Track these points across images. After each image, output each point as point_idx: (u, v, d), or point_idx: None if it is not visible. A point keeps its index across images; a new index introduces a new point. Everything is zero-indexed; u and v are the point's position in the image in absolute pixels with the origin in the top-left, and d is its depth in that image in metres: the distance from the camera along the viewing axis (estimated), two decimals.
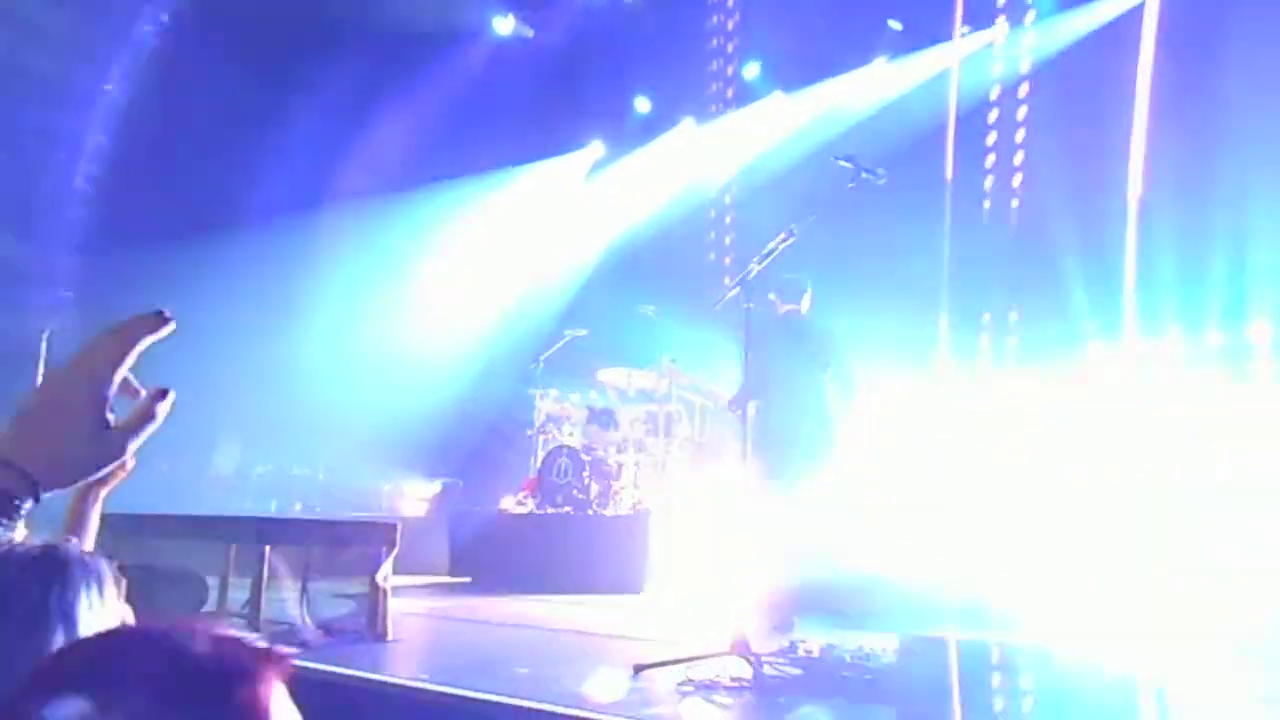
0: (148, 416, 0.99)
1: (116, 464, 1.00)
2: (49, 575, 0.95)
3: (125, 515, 4.61)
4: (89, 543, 1.46)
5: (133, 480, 1.34)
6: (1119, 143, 9.29)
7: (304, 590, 4.60)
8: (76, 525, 1.47)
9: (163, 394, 1.01)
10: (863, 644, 3.85)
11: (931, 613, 5.59)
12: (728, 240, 12.17)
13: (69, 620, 0.93)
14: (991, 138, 10.34)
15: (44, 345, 7.33)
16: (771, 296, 6.16)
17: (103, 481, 1.27)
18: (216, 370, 8.54)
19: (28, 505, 0.94)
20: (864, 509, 6.75)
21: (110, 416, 0.97)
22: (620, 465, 9.04)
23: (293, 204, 10.68)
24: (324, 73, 11.08)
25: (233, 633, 0.75)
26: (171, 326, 0.99)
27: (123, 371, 0.97)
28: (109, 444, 0.97)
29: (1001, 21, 10.60)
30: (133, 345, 0.97)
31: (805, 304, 6.20)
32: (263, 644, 0.75)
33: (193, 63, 10.10)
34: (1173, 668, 3.72)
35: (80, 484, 1.04)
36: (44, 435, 0.95)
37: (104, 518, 1.57)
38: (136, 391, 1.01)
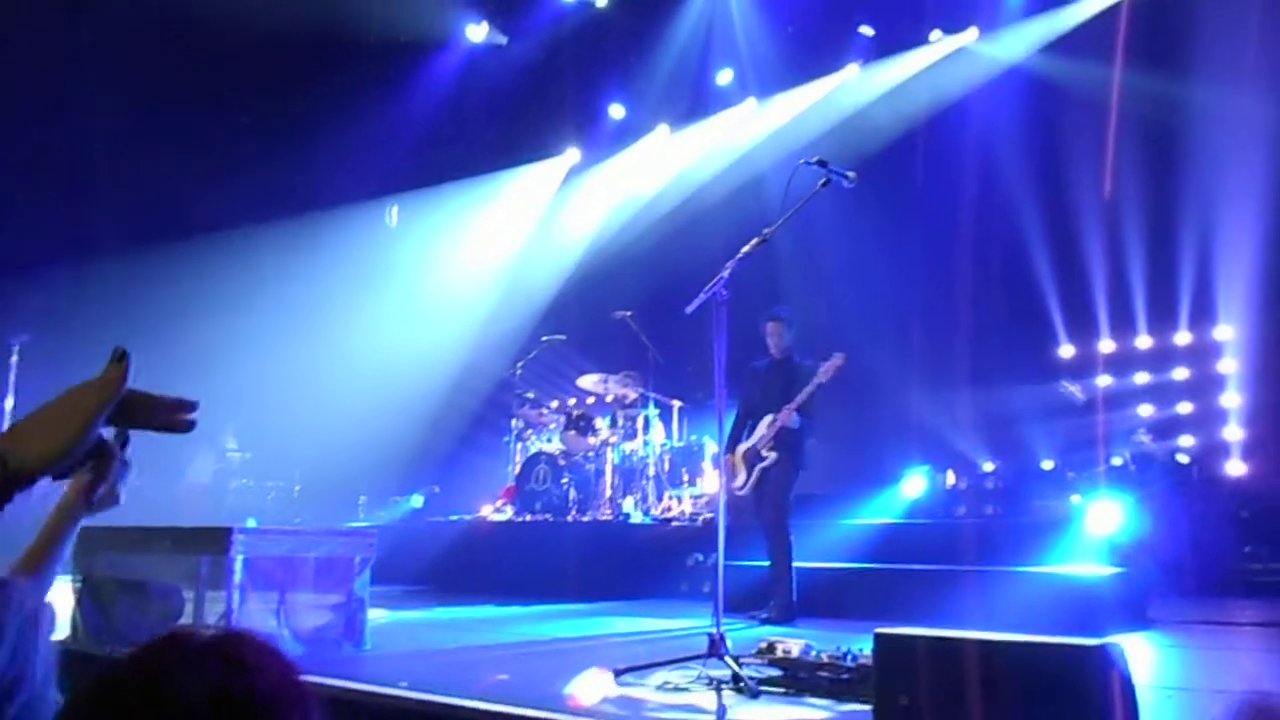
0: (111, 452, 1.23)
1: (76, 457, 1.15)
2: None
3: (100, 528, 4.58)
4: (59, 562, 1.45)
5: None
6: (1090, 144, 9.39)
7: (281, 600, 4.59)
8: (53, 543, 1.45)
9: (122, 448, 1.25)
10: (840, 644, 3.87)
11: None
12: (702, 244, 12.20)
13: None
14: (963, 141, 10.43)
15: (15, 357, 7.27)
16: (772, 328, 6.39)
17: (88, 503, 1.38)
18: (191, 384, 8.46)
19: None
20: None
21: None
22: (598, 471, 9.03)
23: (264, 215, 10.60)
24: (297, 86, 11.01)
25: None
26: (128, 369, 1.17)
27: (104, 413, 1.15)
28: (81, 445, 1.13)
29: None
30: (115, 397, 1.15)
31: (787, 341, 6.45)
32: None
33: (162, 73, 10.00)
34: None
35: (63, 505, 1.26)
36: (32, 432, 1.10)
37: (79, 530, 1.57)
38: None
